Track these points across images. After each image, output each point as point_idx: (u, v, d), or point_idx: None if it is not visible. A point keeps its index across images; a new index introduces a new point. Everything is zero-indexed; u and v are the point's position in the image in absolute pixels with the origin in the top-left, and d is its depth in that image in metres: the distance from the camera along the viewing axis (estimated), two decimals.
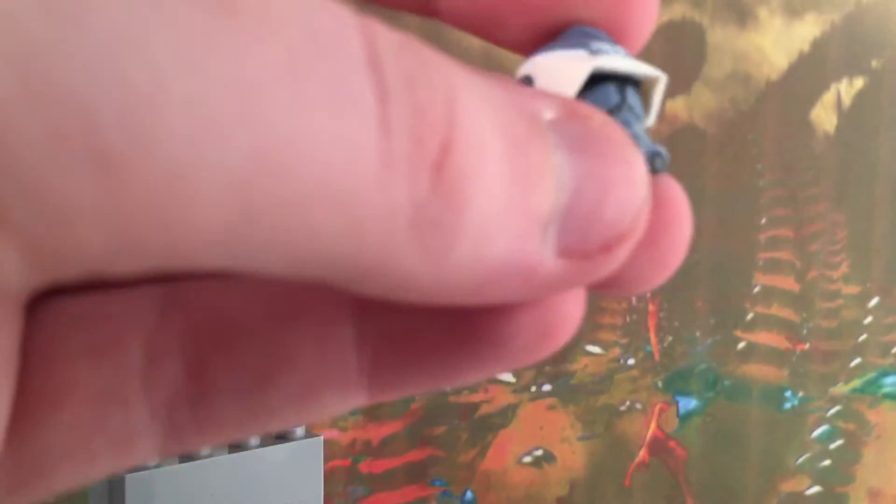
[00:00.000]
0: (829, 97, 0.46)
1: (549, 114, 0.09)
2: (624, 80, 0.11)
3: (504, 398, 0.41)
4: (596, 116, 0.10)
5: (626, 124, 0.11)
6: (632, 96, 0.11)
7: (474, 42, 0.40)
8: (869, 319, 0.48)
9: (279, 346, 0.11)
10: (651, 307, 0.44)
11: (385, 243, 0.08)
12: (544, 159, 0.09)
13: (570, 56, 0.11)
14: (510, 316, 0.11)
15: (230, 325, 0.11)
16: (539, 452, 0.42)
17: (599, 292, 0.10)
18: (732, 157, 0.45)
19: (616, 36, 0.12)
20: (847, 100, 0.47)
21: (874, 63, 0.47)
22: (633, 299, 0.43)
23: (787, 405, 0.47)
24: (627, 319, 0.43)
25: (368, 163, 0.08)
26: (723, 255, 0.45)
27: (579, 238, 0.09)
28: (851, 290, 0.48)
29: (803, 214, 0.47)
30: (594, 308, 0.43)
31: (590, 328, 0.43)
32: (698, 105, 0.44)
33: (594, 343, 0.43)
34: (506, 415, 0.41)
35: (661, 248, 0.11)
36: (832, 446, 0.48)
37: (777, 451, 0.47)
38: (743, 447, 0.46)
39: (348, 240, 0.08)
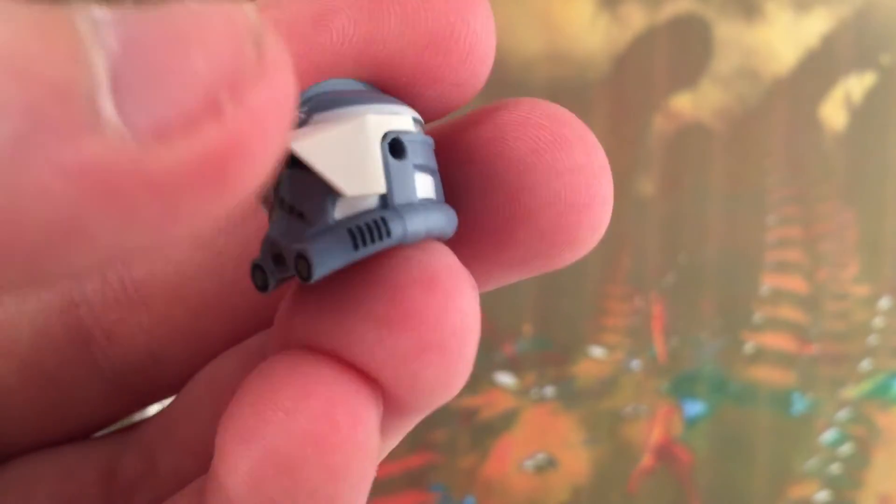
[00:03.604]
0: (838, 93, 0.46)
1: (98, 12, 0.07)
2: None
3: (505, 402, 0.41)
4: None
5: (273, 229, 0.10)
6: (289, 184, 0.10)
7: None
8: (879, 321, 0.47)
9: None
10: (656, 309, 0.43)
11: None
12: (60, 21, 0.07)
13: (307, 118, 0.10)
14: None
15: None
16: (541, 457, 0.42)
17: (530, 261, 0.10)
18: (739, 154, 0.44)
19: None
20: (857, 96, 0.46)
21: (885, 59, 0.46)
22: (638, 301, 0.43)
23: (796, 409, 0.47)
24: (631, 321, 0.43)
25: None
26: (729, 255, 0.45)
27: (162, 101, 0.07)
28: (861, 291, 0.47)
29: (812, 213, 0.46)
30: (597, 310, 0.43)
31: (593, 330, 0.42)
32: (704, 101, 0.43)
33: (597, 345, 0.43)
34: (507, 419, 0.41)
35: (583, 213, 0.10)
36: (841, 451, 0.48)
37: (785, 455, 0.46)
38: (750, 451, 0.46)
39: None
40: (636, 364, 0.43)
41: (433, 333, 0.09)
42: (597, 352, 0.42)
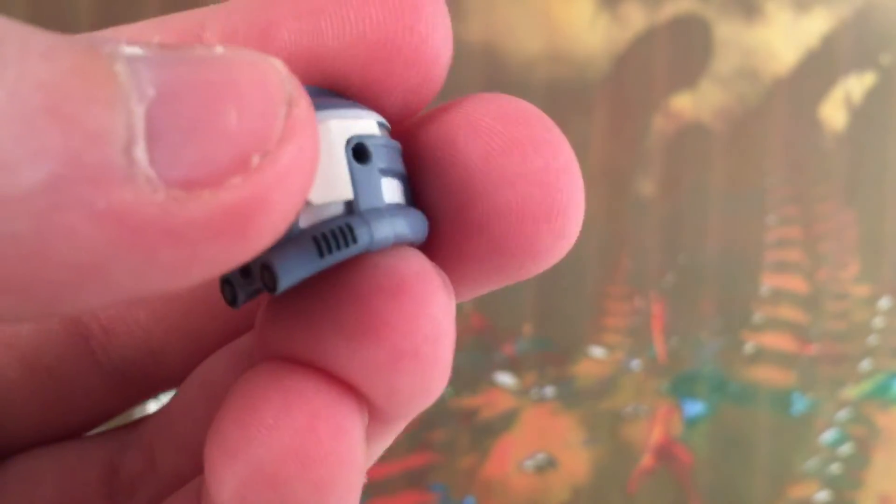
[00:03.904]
0: (838, 93, 0.46)
1: (130, 49, 0.08)
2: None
3: (505, 402, 0.41)
4: (196, 45, 0.08)
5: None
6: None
7: (474, 40, 0.40)
8: (879, 321, 0.47)
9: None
10: (656, 309, 0.43)
11: None
12: (100, 66, 0.07)
13: None
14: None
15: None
16: (541, 457, 0.42)
17: (492, 267, 0.09)
18: (739, 154, 0.44)
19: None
20: (857, 96, 0.46)
21: (885, 59, 0.46)
22: (638, 301, 0.43)
23: (796, 409, 0.47)
24: (632, 321, 0.43)
25: None
26: (729, 255, 0.45)
27: (195, 155, 0.07)
28: (861, 291, 0.47)
29: (812, 213, 0.46)
30: (597, 310, 0.43)
31: (593, 330, 0.42)
32: (704, 101, 0.43)
33: (597, 345, 0.43)
34: (507, 419, 0.41)
35: (552, 221, 0.10)
36: (841, 451, 0.48)
37: (785, 455, 0.46)
38: (750, 452, 0.46)
39: None
40: (636, 364, 0.43)
41: (405, 342, 0.09)
42: (597, 352, 0.42)
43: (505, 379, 0.41)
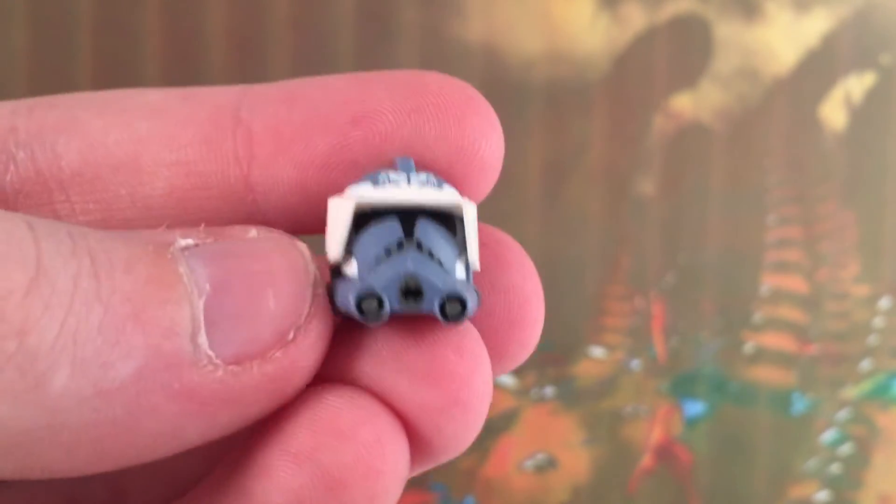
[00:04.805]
0: (838, 93, 0.46)
1: (184, 241, 0.10)
2: (426, 213, 0.11)
3: (505, 402, 0.41)
4: (235, 231, 0.10)
5: (416, 263, 0.10)
6: (426, 230, 0.11)
7: (474, 40, 0.40)
8: (879, 321, 0.47)
9: None
10: (656, 309, 0.43)
11: None
12: (168, 271, 0.09)
13: (353, 191, 0.11)
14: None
15: None
16: (541, 457, 0.42)
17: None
18: (739, 154, 0.44)
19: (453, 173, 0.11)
20: (857, 96, 0.46)
21: (885, 59, 0.46)
22: (638, 301, 0.43)
23: (796, 409, 0.47)
24: (632, 321, 0.43)
25: None
26: (729, 255, 0.45)
27: (244, 337, 0.09)
28: (861, 291, 0.47)
29: (812, 213, 0.46)
30: (597, 310, 0.43)
31: (593, 330, 0.42)
32: (704, 101, 0.43)
33: (597, 345, 0.43)
34: (507, 419, 0.41)
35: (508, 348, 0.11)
36: (841, 451, 0.48)
37: (785, 455, 0.46)
38: (750, 452, 0.46)
39: None
40: (636, 364, 0.43)
41: (461, 392, 0.10)
42: (597, 352, 0.42)
43: (505, 379, 0.41)
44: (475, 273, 0.11)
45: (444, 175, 0.11)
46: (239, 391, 0.09)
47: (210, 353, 0.09)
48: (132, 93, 0.12)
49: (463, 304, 0.10)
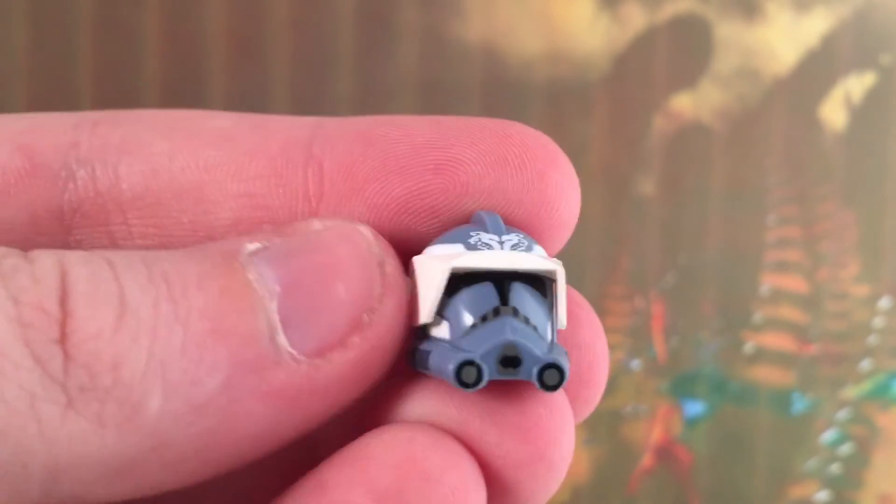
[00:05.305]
0: (838, 93, 0.46)
1: (251, 246, 0.10)
2: (519, 276, 0.11)
3: None
4: (299, 226, 0.10)
5: (514, 331, 0.10)
6: (522, 295, 0.11)
7: (474, 39, 0.40)
8: (879, 321, 0.47)
9: None
10: (656, 309, 0.43)
11: (45, 430, 0.09)
12: (238, 281, 0.09)
13: (444, 252, 0.11)
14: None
15: None
16: None
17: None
18: (739, 154, 0.44)
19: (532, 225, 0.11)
20: (857, 96, 0.46)
21: (885, 59, 0.46)
22: (638, 301, 0.43)
23: (796, 409, 0.47)
24: (632, 321, 0.43)
25: None
26: (729, 255, 0.45)
27: (320, 330, 0.10)
28: (861, 291, 0.47)
29: (812, 213, 0.46)
30: (597, 310, 0.42)
31: None
32: (704, 101, 0.43)
33: None
34: None
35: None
36: (841, 451, 0.48)
37: (785, 455, 0.46)
38: (750, 452, 0.46)
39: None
40: (636, 364, 0.43)
41: (548, 449, 0.11)
42: None
43: None
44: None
45: (520, 227, 0.11)
46: (324, 381, 0.10)
47: (291, 350, 0.10)
48: (201, 115, 0.12)
49: (561, 372, 0.10)
